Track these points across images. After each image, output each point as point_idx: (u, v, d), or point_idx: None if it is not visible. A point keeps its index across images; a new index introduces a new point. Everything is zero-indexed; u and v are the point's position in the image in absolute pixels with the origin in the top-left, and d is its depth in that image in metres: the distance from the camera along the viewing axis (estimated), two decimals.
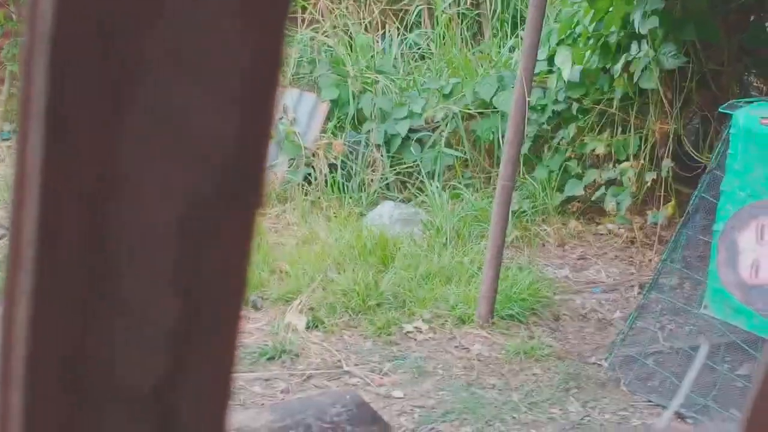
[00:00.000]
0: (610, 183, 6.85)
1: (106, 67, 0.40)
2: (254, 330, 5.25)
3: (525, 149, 6.99)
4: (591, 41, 6.82)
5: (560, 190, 7.06)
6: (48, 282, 0.42)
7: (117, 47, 0.40)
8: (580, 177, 7.01)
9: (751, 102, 4.81)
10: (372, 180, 7.31)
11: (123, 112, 0.41)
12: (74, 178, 0.41)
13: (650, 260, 6.40)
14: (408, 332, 5.30)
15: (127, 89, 0.41)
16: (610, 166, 6.88)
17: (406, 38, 8.83)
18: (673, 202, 6.59)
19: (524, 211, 6.91)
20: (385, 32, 8.99)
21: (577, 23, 6.90)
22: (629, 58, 6.48)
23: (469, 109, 7.48)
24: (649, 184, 6.65)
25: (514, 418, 4.54)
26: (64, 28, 0.39)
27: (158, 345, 0.44)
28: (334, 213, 6.86)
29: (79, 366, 0.43)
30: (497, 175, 5.54)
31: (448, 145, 7.44)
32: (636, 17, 6.27)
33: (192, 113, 0.42)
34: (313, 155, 7.35)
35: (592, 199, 6.92)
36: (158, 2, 0.40)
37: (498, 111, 7.28)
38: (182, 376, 0.46)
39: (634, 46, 6.43)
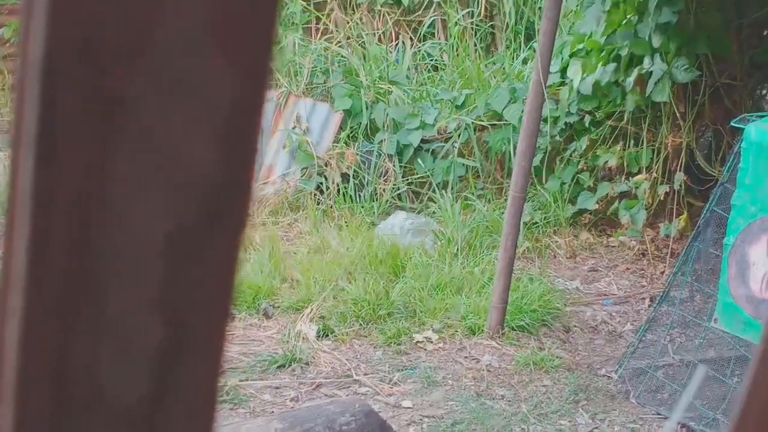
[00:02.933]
0: (623, 196, 6.85)
1: (96, 94, 0.42)
2: (265, 338, 5.27)
3: (537, 161, 7.01)
4: (603, 54, 6.83)
5: (572, 202, 7.07)
6: (36, 301, 0.43)
7: (107, 75, 0.42)
8: (592, 189, 7.01)
9: (763, 116, 4.81)
10: (384, 190, 7.33)
11: (111, 137, 0.43)
12: (63, 200, 0.42)
13: (662, 273, 6.40)
14: (418, 342, 5.31)
15: (115, 116, 0.42)
16: (622, 178, 6.88)
17: (419, 49, 8.85)
18: (685, 215, 6.59)
19: (536, 223, 6.92)
20: (398, 43, 9.01)
21: (590, 36, 6.91)
22: (641, 71, 6.48)
23: (481, 121, 7.49)
24: (661, 197, 6.65)
25: (522, 429, 4.55)
26: (54, 55, 0.41)
27: (143, 363, 0.46)
28: (346, 222, 6.88)
29: (66, 382, 0.45)
30: (509, 186, 5.54)
31: (460, 155, 7.46)
32: (647, 30, 6.29)
33: (178, 140, 0.43)
34: (326, 165, 7.37)
35: (608, 213, 6.92)
36: (147, 33, 0.42)
37: (510, 123, 7.29)
38: (168, 393, 0.47)
39: (646, 60, 6.44)
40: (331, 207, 7.16)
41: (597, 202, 6.97)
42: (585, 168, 7.10)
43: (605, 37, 6.73)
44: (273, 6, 0.44)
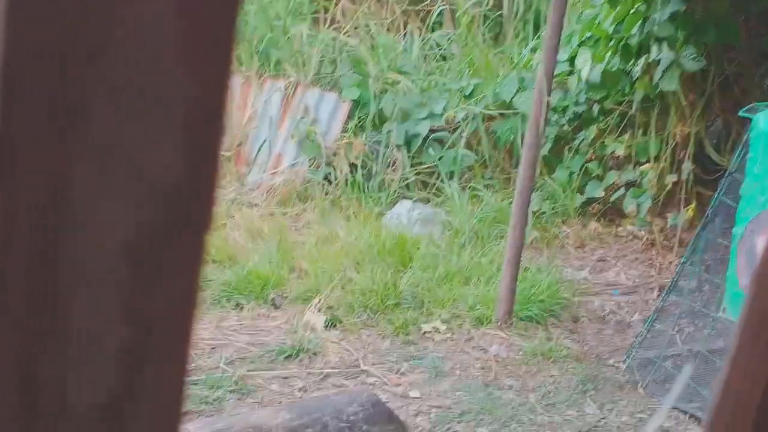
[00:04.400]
0: (630, 185, 6.83)
1: (54, 100, 0.42)
2: (273, 328, 5.27)
3: (545, 150, 7.00)
4: (612, 43, 6.81)
5: (580, 191, 7.05)
6: (1, 309, 0.43)
7: (66, 83, 0.42)
8: (600, 179, 7.00)
9: None
10: (392, 180, 7.32)
11: (71, 143, 0.42)
12: (24, 207, 0.42)
13: (670, 263, 6.38)
14: (426, 332, 5.31)
15: (75, 122, 0.42)
16: (631, 167, 6.87)
17: (428, 39, 8.83)
18: (693, 205, 6.57)
19: (544, 212, 6.91)
20: (406, 32, 9.00)
21: (599, 25, 6.89)
22: (649, 60, 6.46)
23: (489, 110, 7.48)
24: (669, 186, 6.63)
25: (530, 419, 4.55)
26: (12, 63, 0.41)
27: (109, 368, 0.46)
28: (354, 212, 6.88)
29: (34, 390, 0.45)
30: (517, 175, 5.54)
31: (468, 145, 7.45)
32: (656, 19, 6.27)
33: (138, 144, 0.43)
34: (334, 155, 7.37)
35: (612, 200, 6.90)
36: (106, 41, 0.42)
37: (518, 112, 7.28)
38: (132, 400, 0.47)
39: (654, 48, 6.42)
40: (339, 197, 7.16)
41: (604, 191, 6.96)
42: (593, 157, 7.08)
43: (613, 26, 6.71)
44: (232, 13, 0.43)
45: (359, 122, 7.59)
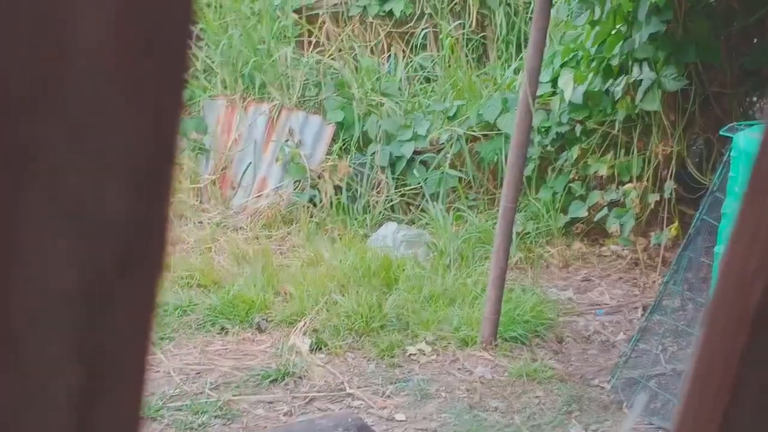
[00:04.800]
0: (613, 204, 6.86)
1: (4, 145, 0.42)
2: (258, 352, 5.26)
3: (529, 171, 7.03)
4: (593, 63, 6.85)
5: (564, 211, 7.08)
6: None
7: (13, 123, 0.42)
8: (583, 198, 7.03)
9: (752, 125, 4.82)
10: (377, 202, 7.34)
11: (21, 187, 0.43)
12: None
13: (654, 282, 6.40)
14: (411, 354, 5.31)
15: (25, 166, 0.43)
16: (614, 187, 6.89)
17: (411, 61, 8.87)
18: (676, 224, 6.60)
19: (528, 233, 6.93)
20: (390, 55, 9.03)
21: (580, 45, 6.94)
22: (631, 80, 6.51)
23: (473, 131, 7.51)
24: (652, 205, 6.66)
25: None
26: None
27: (62, 410, 0.46)
28: (339, 235, 6.89)
29: None
30: (501, 196, 5.55)
31: (453, 166, 7.47)
32: (636, 40, 6.32)
33: (87, 187, 0.44)
34: (319, 177, 7.39)
35: (595, 220, 6.92)
36: (55, 81, 0.42)
37: (502, 133, 7.31)
38: None
39: (635, 69, 6.46)
40: (324, 219, 7.17)
41: (588, 210, 6.98)
42: (576, 177, 7.11)
43: (595, 47, 6.76)
44: (182, 54, 0.44)
45: (344, 144, 7.61)
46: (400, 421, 4.67)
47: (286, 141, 7.55)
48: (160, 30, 0.43)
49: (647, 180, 6.70)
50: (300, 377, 5.00)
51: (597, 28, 6.63)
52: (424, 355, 5.32)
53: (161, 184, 0.45)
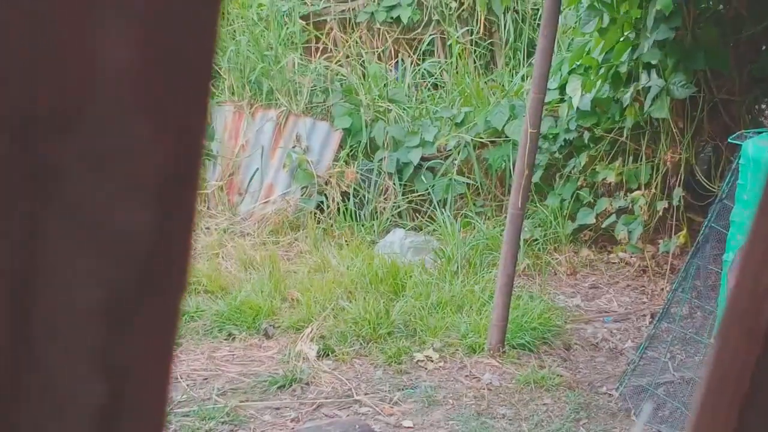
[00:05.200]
0: (622, 211, 6.85)
1: (29, 165, 0.42)
2: (265, 358, 5.26)
3: (537, 178, 7.02)
4: (602, 71, 6.85)
5: (572, 218, 7.07)
6: None
7: (40, 147, 0.43)
8: (591, 206, 7.03)
9: (760, 132, 4.82)
10: (384, 208, 7.34)
11: (46, 206, 0.43)
12: (1, 267, 0.43)
13: (662, 289, 6.39)
14: (418, 361, 5.30)
15: (49, 186, 0.43)
16: (622, 194, 6.89)
17: (419, 67, 8.88)
18: (684, 231, 6.59)
19: (536, 240, 6.92)
20: (398, 61, 9.04)
21: (588, 52, 6.94)
22: (639, 87, 6.50)
23: (481, 138, 7.51)
24: (660, 212, 6.65)
25: None
26: None
27: (85, 428, 0.47)
28: (346, 241, 6.89)
29: None
30: (509, 203, 5.55)
31: (460, 173, 7.47)
32: (645, 47, 6.31)
33: (111, 208, 0.44)
34: (326, 183, 7.39)
35: (603, 226, 6.92)
36: (78, 106, 0.43)
37: (510, 139, 7.31)
38: None
39: (644, 76, 6.45)
40: (332, 226, 7.17)
41: (596, 217, 6.98)
42: (584, 184, 7.11)
43: (603, 54, 6.75)
44: (206, 75, 0.44)
45: (351, 151, 7.62)
46: (408, 427, 4.67)
47: (294, 147, 7.56)
48: (185, 51, 0.44)
49: (655, 187, 6.70)
50: (307, 383, 5.00)
51: (607, 35, 6.62)
52: (432, 361, 5.31)
53: (185, 204, 0.45)
